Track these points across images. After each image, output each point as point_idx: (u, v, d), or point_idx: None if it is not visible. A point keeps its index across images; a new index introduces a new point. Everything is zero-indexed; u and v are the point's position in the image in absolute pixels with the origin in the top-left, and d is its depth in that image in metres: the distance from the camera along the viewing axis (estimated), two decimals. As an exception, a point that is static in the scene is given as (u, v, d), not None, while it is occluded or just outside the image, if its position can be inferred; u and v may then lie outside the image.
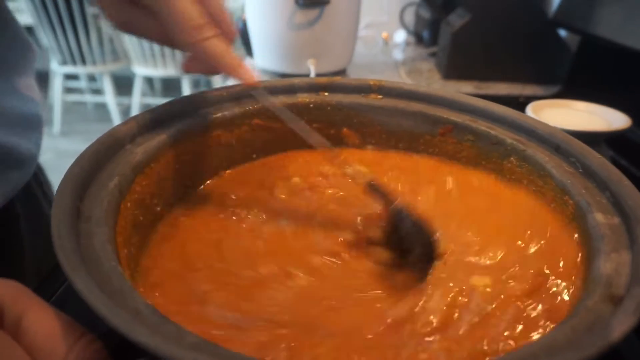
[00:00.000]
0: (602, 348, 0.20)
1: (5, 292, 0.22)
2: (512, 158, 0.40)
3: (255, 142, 0.44)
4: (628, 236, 0.28)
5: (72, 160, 0.30)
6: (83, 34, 2.73)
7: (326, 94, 0.46)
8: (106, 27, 2.77)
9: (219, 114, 0.40)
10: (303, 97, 0.45)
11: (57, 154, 2.78)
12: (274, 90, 0.44)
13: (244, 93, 0.42)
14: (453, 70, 1.05)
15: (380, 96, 0.46)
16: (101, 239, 0.25)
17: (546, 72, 1.02)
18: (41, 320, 0.21)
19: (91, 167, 0.29)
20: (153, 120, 0.36)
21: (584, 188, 0.33)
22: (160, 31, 0.33)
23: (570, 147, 0.37)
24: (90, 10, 2.70)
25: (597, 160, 0.34)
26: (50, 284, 0.42)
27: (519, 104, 0.70)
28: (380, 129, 0.46)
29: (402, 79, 1.06)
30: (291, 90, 0.45)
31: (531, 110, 0.66)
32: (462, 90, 1.00)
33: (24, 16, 2.52)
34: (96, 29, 2.79)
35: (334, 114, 0.46)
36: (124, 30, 0.34)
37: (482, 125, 0.42)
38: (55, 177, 0.29)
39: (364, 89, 0.46)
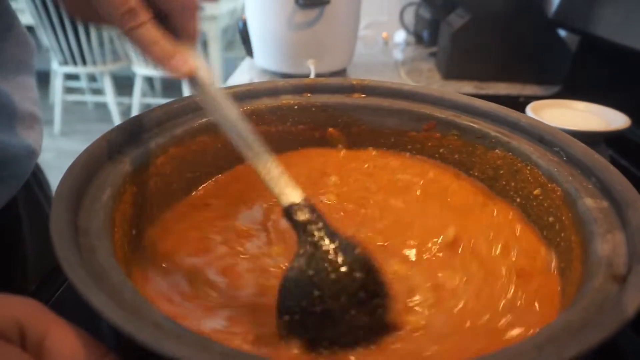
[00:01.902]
0: (621, 325, 0.21)
1: (26, 312, 0.22)
2: (497, 150, 0.41)
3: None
4: (619, 218, 0.29)
5: (73, 160, 0.30)
6: (83, 34, 2.73)
7: (309, 95, 0.46)
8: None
9: (203, 120, 0.40)
10: (287, 99, 0.45)
11: (58, 154, 2.78)
12: (257, 94, 0.44)
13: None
14: (453, 70, 1.05)
15: (363, 95, 0.47)
16: (104, 252, 0.24)
17: (546, 72, 1.02)
18: (64, 340, 0.21)
19: (83, 179, 0.29)
20: (138, 128, 0.35)
21: (571, 175, 0.34)
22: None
23: (553, 137, 0.38)
24: (91, 10, 2.70)
25: (581, 148, 0.35)
26: (51, 284, 0.42)
27: (519, 104, 0.70)
28: (366, 127, 0.47)
29: (402, 79, 1.06)
30: (274, 92, 0.45)
31: (531, 110, 0.66)
32: (462, 90, 1.00)
33: (25, 16, 2.52)
34: (96, 29, 2.79)
35: (319, 114, 0.46)
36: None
37: (465, 120, 0.43)
38: (55, 176, 0.29)
39: (347, 88, 0.47)
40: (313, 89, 0.46)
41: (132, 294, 0.22)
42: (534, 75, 1.03)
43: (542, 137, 0.39)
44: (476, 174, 0.43)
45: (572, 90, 0.95)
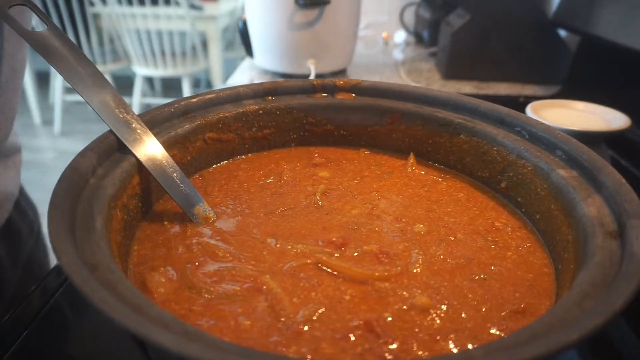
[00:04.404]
0: None
1: None
2: (462, 135, 0.43)
3: (209, 155, 0.44)
4: (592, 183, 0.32)
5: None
6: (83, 34, 2.73)
7: (272, 98, 0.46)
8: (107, 26, 2.77)
9: (172, 133, 0.39)
10: (251, 105, 0.45)
11: (58, 154, 2.78)
12: (219, 101, 0.44)
13: (191, 107, 0.42)
14: (453, 70, 1.05)
15: (325, 94, 0.47)
16: (127, 284, 0.23)
17: (546, 72, 1.02)
18: None
19: (68, 208, 0.27)
20: (109, 147, 0.34)
21: (537, 151, 0.37)
22: None
23: (514, 118, 0.40)
24: (90, 10, 2.70)
25: (542, 126, 0.38)
26: (50, 284, 0.42)
27: (519, 104, 0.70)
28: (331, 127, 0.48)
29: (402, 79, 1.06)
30: (237, 98, 0.45)
31: (531, 110, 0.65)
32: (462, 90, 1.00)
33: (24, 16, 2.52)
34: (96, 29, 2.80)
35: (284, 117, 0.46)
36: None
37: (428, 110, 0.44)
38: (54, 177, 0.29)
39: (308, 89, 0.47)
40: (274, 92, 0.46)
41: (176, 322, 0.21)
42: (534, 75, 1.03)
43: (502, 119, 0.41)
44: (443, 160, 0.45)
45: (572, 90, 0.95)
